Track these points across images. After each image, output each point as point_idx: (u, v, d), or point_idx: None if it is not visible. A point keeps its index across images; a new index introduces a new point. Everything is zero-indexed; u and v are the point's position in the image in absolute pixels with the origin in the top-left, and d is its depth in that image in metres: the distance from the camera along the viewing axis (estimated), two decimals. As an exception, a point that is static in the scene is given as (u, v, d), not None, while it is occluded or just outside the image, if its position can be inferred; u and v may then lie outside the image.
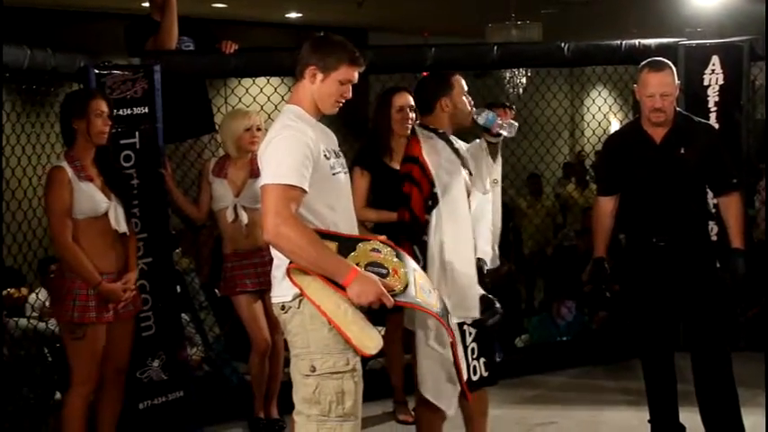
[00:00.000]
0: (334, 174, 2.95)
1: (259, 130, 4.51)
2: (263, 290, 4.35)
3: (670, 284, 3.91)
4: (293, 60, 3.00)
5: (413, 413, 4.38)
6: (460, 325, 3.48)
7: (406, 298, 2.90)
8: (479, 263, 3.69)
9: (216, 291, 5.06)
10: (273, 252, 2.94)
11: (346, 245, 2.86)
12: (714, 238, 4.70)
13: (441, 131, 3.63)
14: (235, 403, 4.74)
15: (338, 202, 2.97)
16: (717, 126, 5.27)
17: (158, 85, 4.41)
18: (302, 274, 2.81)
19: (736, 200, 3.96)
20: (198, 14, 5.72)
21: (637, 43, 5.37)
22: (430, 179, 3.53)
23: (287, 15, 10.42)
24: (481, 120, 3.63)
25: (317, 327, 2.84)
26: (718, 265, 3.97)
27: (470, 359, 3.51)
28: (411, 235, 3.57)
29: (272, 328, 4.45)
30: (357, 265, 2.82)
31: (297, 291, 2.83)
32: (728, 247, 3.95)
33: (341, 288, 2.79)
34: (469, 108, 3.69)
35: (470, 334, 3.51)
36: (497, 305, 3.57)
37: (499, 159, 3.81)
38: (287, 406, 3.16)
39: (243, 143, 4.50)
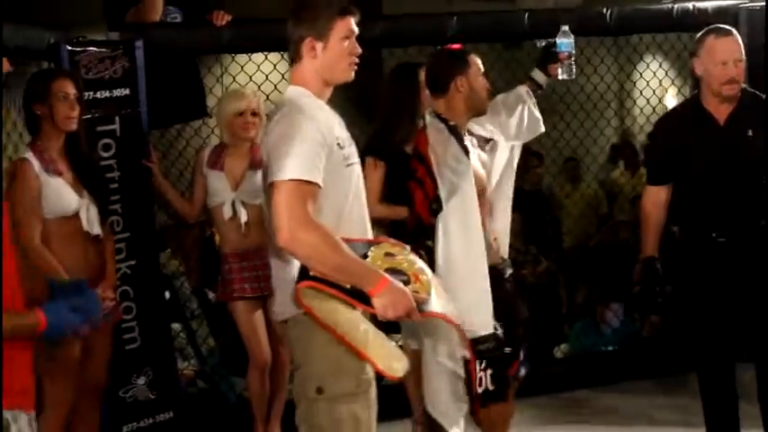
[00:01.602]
0: (348, 165, 2.89)
1: (255, 114, 4.46)
2: (264, 295, 4.32)
3: (731, 286, 3.84)
4: (308, 3, 2.94)
5: None
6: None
7: (432, 308, 2.87)
8: (501, 266, 3.70)
9: (209, 296, 5.04)
10: (275, 260, 2.89)
11: (356, 250, 2.81)
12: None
13: (452, 124, 3.64)
14: (233, 424, 4.74)
15: (352, 199, 2.91)
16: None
17: (141, 63, 4.39)
18: (313, 295, 2.75)
19: None
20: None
21: (691, 7, 5.26)
22: (434, 179, 3.56)
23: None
24: (559, 41, 3.79)
25: (326, 342, 2.79)
26: None
27: (477, 370, 3.55)
28: (415, 239, 3.60)
29: (274, 339, 4.42)
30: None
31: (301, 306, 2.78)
32: None
33: (362, 299, 2.74)
34: (486, 92, 3.69)
35: (481, 362, 3.58)
36: (498, 331, 3.61)
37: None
38: (291, 427, 3.11)
39: (236, 129, 4.46)
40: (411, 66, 4.43)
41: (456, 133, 3.65)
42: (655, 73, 6.91)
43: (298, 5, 2.94)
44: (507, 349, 3.73)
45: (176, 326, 5.08)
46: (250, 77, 5.09)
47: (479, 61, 3.73)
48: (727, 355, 3.94)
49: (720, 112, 3.85)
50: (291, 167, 2.73)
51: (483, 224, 3.68)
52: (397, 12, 6.27)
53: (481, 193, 3.72)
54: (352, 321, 2.77)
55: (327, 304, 2.75)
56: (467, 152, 3.64)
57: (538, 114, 3.95)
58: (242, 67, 5.15)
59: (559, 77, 3.82)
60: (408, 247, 3.00)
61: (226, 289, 4.48)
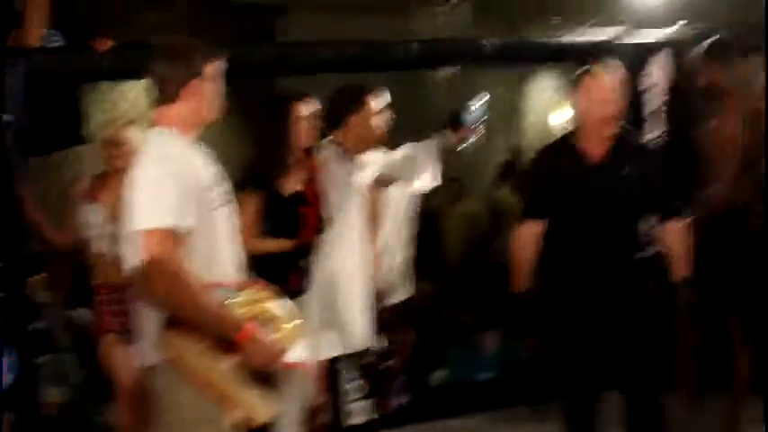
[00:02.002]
0: (216, 208, 2.94)
1: (121, 146, 4.48)
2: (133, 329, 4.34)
3: (601, 321, 3.97)
4: (183, 43, 3.01)
5: None
6: (334, 363, 3.77)
7: (295, 357, 2.96)
8: (380, 295, 3.90)
9: (79, 325, 5.04)
10: (140, 305, 2.93)
11: (223, 295, 2.87)
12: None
13: (345, 151, 3.85)
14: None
15: (221, 241, 2.96)
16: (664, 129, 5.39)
17: (18, 86, 4.34)
18: (179, 342, 2.81)
19: (679, 227, 4.03)
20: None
21: (571, 41, 5.46)
22: (323, 201, 3.81)
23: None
24: (474, 108, 4.01)
25: (189, 390, 2.84)
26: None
27: (345, 402, 3.76)
28: (301, 258, 3.92)
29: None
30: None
31: (169, 353, 2.83)
32: (671, 277, 4.03)
33: (228, 347, 2.80)
34: (380, 131, 3.88)
35: (347, 370, 3.83)
36: (383, 345, 3.89)
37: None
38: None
39: (106, 159, 4.51)
40: (286, 97, 4.42)
41: (348, 160, 3.86)
42: (542, 93, 7.09)
43: (172, 47, 3.00)
44: (391, 362, 3.92)
45: (44, 358, 5.04)
46: (132, 105, 5.09)
47: (378, 101, 3.96)
48: (592, 387, 4.06)
49: (597, 148, 3.92)
50: (156, 214, 2.76)
51: (368, 250, 3.93)
52: (294, 34, 6.37)
53: (368, 219, 3.90)
54: (219, 369, 2.83)
55: (194, 352, 2.81)
56: (356, 178, 3.86)
57: (439, 169, 4.20)
58: (123, 93, 5.14)
59: (466, 144, 4.09)
60: (273, 293, 3.06)
61: (96, 322, 4.52)
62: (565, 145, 4.07)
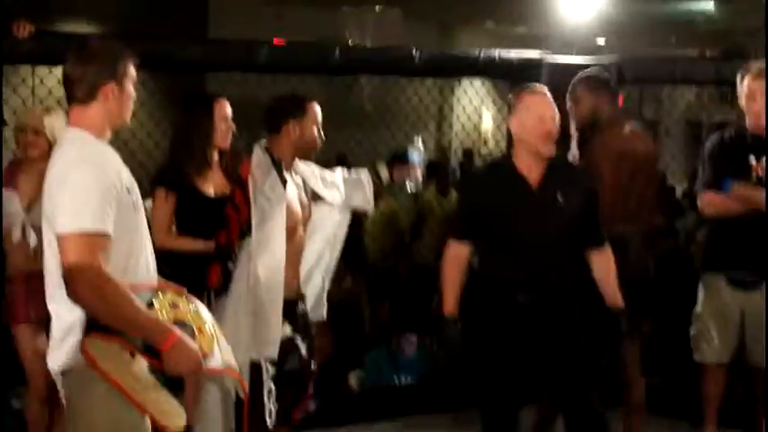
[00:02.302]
0: (136, 210, 2.94)
1: (37, 133, 4.42)
2: (48, 319, 4.28)
3: (531, 342, 3.93)
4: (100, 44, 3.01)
5: None
6: (257, 363, 3.79)
7: (216, 363, 2.95)
8: (297, 303, 3.93)
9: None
10: (55, 307, 2.92)
11: (142, 298, 2.86)
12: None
13: (276, 157, 3.93)
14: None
15: (139, 244, 2.96)
16: (577, 153, 5.49)
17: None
18: (99, 346, 2.78)
19: (609, 254, 4.05)
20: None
21: (497, 56, 5.54)
22: (249, 206, 3.84)
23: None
24: (412, 151, 3.94)
25: (105, 395, 2.82)
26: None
27: (267, 401, 3.79)
28: (222, 259, 3.99)
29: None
30: None
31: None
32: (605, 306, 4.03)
33: (150, 352, 2.79)
34: (318, 139, 3.97)
35: (267, 371, 3.82)
36: (302, 352, 3.93)
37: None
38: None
39: (20, 146, 4.46)
40: (205, 97, 4.44)
41: (277, 167, 3.93)
42: (472, 95, 7.17)
43: (91, 47, 2.97)
44: (313, 366, 4.05)
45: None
46: (50, 91, 5.02)
47: (318, 111, 4.02)
48: (514, 404, 4.02)
49: (533, 172, 3.90)
50: (82, 218, 2.74)
51: (290, 257, 3.93)
52: (225, 24, 6.35)
53: (292, 228, 3.92)
54: (136, 375, 2.82)
55: (112, 357, 2.79)
56: (285, 184, 3.91)
57: (370, 198, 4.38)
58: (41, 79, 5.07)
59: (408, 189, 4.10)
60: (190, 296, 3.07)
61: (9, 312, 4.45)
62: (501, 167, 4.04)
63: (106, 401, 2.83)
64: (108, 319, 2.75)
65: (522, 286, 3.89)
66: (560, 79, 5.51)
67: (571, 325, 3.95)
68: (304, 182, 4.16)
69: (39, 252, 4.27)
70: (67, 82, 2.95)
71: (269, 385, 3.85)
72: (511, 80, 5.28)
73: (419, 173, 4.22)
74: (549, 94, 3.95)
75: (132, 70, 2.98)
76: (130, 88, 2.98)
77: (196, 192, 4.23)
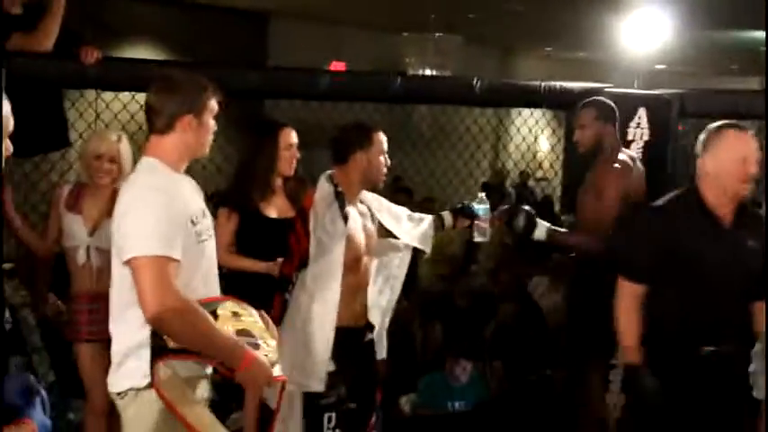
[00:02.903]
0: (200, 242, 2.97)
1: (113, 161, 4.50)
2: (110, 338, 4.34)
3: (714, 405, 3.61)
4: (183, 76, 3.04)
5: None
6: (319, 409, 3.83)
7: (278, 371, 2.99)
8: (365, 332, 4.00)
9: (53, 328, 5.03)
10: (117, 328, 2.96)
11: (207, 308, 2.90)
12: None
13: (339, 190, 3.92)
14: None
15: (200, 276, 2.99)
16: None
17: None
18: (166, 374, 2.84)
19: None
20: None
21: (558, 86, 5.52)
22: (309, 237, 3.85)
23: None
24: (477, 205, 4.29)
25: (164, 422, 2.86)
26: None
27: (325, 428, 3.82)
28: (282, 289, 3.95)
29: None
30: None
31: (148, 380, 2.85)
32: None
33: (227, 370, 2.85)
34: (384, 168, 3.99)
35: (330, 420, 3.81)
36: (342, 390, 3.90)
37: None
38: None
39: (92, 172, 4.51)
40: (272, 124, 4.57)
41: (340, 199, 3.91)
42: (528, 118, 7.16)
43: (175, 80, 3.02)
44: (352, 405, 3.94)
45: (17, 359, 5.03)
46: (115, 116, 5.10)
47: (384, 140, 4.01)
48: None
49: (724, 210, 3.64)
50: (153, 243, 2.79)
51: (356, 287, 3.94)
52: (285, 43, 6.42)
53: (357, 258, 3.93)
54: (199, 412, 2.89)
55: (179, 387, 2.86)
56: (346, 220, 3.89)
57: (430, 241, 4.33)
58: (107, 104, 5.15)
59: (474, 239, 4.39)
60: (246, 305, 3.10)
61: (72, 329, 4.54)
62: (688, 201, 3.71)
63: (163, 428, 2.87)
64: (184, 342, 2.82)
65: (707, 336, 3.58)
66: (621, 110, 5.51)
67: (744, 385, 3.60)
68: (371, 211, 4.15)
69: (102, 274, 4.42)
70: (149, 111, 3.00)
71: (328, 414, 3.85)
72: (571, 111, 5.25)
73: (485, 224, 4.25)
74: (751, 132, 3.73)
75: (213, 103, 3.02)
76: (210, 121, 3.02)
77: (258, 214, 4.37)
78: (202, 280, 3.01)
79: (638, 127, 5.55)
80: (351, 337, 3.96)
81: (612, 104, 4.94)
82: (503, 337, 6.94)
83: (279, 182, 4.44)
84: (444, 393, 6.28)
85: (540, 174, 11.17)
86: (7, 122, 2.18)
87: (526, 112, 8.65)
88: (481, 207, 4.33)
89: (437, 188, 8.47)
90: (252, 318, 3.02)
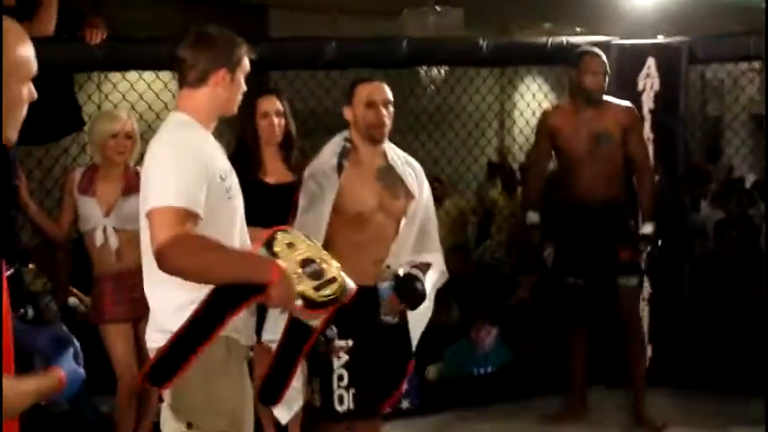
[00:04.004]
0: (229, 198, 2.91)
1: (129, 137, 4.49)
2: (136, 318, 4.34)
3: None
4: (170, 53, 2.97)
5: None
6: (328, 343, 3.65)
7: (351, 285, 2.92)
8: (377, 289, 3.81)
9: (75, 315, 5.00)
10: (150, 288, 2.90)
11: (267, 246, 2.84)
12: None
13: (348, 147, 3.80)
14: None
15: (234, 232, 2.93)
16: (651, 136, 5.45)
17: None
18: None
19: None
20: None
21: (564, 42, 5.50)
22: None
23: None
24: (381, 287, 3.70)
25: (202, 377, 2.79)
26: None
27: (336, 386, 3.65)
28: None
29: (144, 362, 4.41)
30: (292, 273, 2.78)
31: None
32: None
33: (252, 292, 2.74)
34: (376, 118, 3.81)
35: (339, 359, 3.65)
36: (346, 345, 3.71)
37: None
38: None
39: (108, 152, 4.49)
40: (249, 95, 4.45)
41: (341, 153, 3.77)
42: (532, 97, 7.11)
43: (210, 34, 2.94)
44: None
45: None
46: (123, 96, 5.06)
47: (370, 89, 3.78)
48: None
49: None
50: (172, 195, 2.71)
51: (364, 244, 3.77)
52: (284, 33, 6.36)
53: (359, 214, 3.80)
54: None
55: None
56: (340, 171, 3.76)
57: None
58: (114, 85, 5.11)
59: (382, 317, 3.75)
60: (292, 229, 3.07)
61: (97, 312, 4.52)
62: None
63: (201, 383, 2.80)
64: (209, 275, 2.71)
65: None
66: (628, 62, 5.48)
67: None
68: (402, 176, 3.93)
69: (121, 253, 4.38)
70: (181, 65, 2.92)
71: (339, 372, 3.71)
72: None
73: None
74: None
75: (246, 62, 2.96)
76: (242, 80, 2.95)
77: (257, 181, 4.33)
78: (240, 238, 2.95)
79: (647, 77, 5.52)
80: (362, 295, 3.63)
81: (602, 55, 5.03)
82: (523, 308, 6.92)
83: (272, 150, 4.44)
84: (470, 360, 6.25)
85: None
86: (30, 65, 2.09)
87: (533, 87, 8.62)
88: (385, 289, 3.75)
89: (448, 169, 8.40)
90: (304, 241, 2.93)
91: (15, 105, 2.04)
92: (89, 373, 4.61)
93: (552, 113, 5.15)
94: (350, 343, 3.68)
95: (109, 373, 4.51)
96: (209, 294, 2.73)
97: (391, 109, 3.82)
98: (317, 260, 2.86)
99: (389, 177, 3.91)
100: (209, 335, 2.75)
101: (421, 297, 3.68)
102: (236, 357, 2.87)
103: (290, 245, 2.87)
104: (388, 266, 3.72)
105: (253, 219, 4.18)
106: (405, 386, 4.15)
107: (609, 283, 5.03)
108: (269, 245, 2.85)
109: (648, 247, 4.99)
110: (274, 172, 4.44)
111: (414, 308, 3.72)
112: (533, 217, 5.16)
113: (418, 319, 3.94)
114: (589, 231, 4.99)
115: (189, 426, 2.80)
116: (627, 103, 5.06)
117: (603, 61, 4.94)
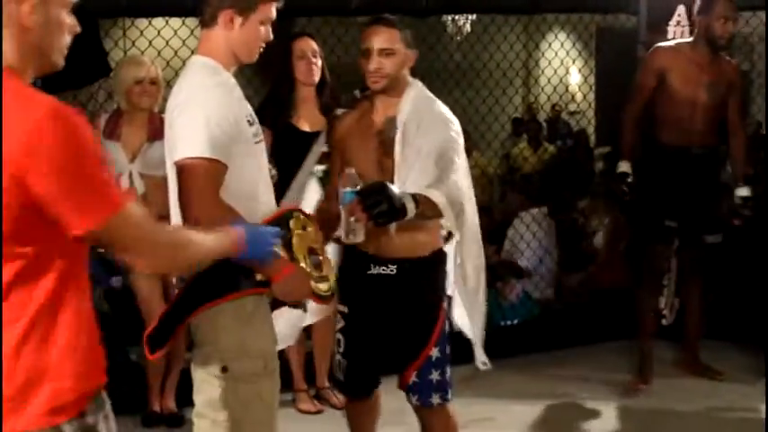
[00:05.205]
0: (257, 142, 2.89)
1: (154, 83, 4.47)
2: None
3: None
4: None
5: (315, 403, 4.73)
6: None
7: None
8: None
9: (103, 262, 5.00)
10: None
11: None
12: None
13: (362, 96, 3.66)
14: (126, 395, 4.68)
15: (261, 176, 2.92)
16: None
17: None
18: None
19: None
20: None
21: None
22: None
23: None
24: (343, 191, 3.11)
25: (234, 322, 2.79)
26: None
27: (336, 349, 3.55)
28: None
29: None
30: (301, 257, 2.81)
31: None
32: None
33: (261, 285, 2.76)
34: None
35: (339, 344, 3.52)
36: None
37: None
38: (186, 398, 3.13)
39: (133, 98, 4.48)
40: (283, 38, 4.32)
41: (364, 106, 3.53)
42: (558, 50, 7.02)
43: None
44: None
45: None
46: (150, 42, 5.03)
47: (362, 38, 3.36)
48: None
49: None
50: (200, 145, 2.70)
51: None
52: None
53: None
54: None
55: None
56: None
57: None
58: (141, 31, 5.08)
59: (342, 237, 3.16)
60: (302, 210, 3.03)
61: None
62: None
63: (234, 328, 2.79)
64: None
65: None
66: (658, 10, 5.39)
67: None
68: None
69: (147, 199, 4.37)
70: (203, 4, 2.88)
71: (337, 336, 3.55)
72: (607, 11, 5.12)
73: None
74: None
75: (267, 9, 2.87)
76: (258, 25, 2.86)
77: (291, 127, 4.35)
78: (265, 186, 2.93)
79: (677, 25, 5.44)
80: (354, 258, 3.44)
81: None
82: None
83: (307, 92, 4.43)
84: (496, 312, 6.23)
85: (573, 107, 11.01)
86: None
87: (556, 44, 8.51)
88: (346, 190, 3.11)
89: (470, 126, 8.33)
90: (312, 228, 2.93)
91: (58, 29, 2.01)
92: (122, 323, 4.64)
93: (663, 53, 4.93)
94: (345, 309, 3.50)
95: (139, 323, 4.53)
96: (215, 267, 2.51)
97: (394, 57, 3.31)
98: (318, 251, 2.90)
99: (390, 130, 3.47)
100: (199, 305, 2.74)
101: (391, 209, 3.00)
102: (264, 303, 2.87)
103: (304, 228, 2.89)
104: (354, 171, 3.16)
105: (286, 165, 4.21)
106: (433, 352, 3.47)
107: (696, 235, 5.00)
108: (286, 219, 2.85)
109: (746, 211, 4.94)
110: (308, 118, 4.43)
111: (379, 220, 3.03)
112: (625, 166, 4.94)
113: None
114: (689, 177, 4.90)
115: (224, 369, 2.79)
116: (734, 60, 5.02)
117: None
